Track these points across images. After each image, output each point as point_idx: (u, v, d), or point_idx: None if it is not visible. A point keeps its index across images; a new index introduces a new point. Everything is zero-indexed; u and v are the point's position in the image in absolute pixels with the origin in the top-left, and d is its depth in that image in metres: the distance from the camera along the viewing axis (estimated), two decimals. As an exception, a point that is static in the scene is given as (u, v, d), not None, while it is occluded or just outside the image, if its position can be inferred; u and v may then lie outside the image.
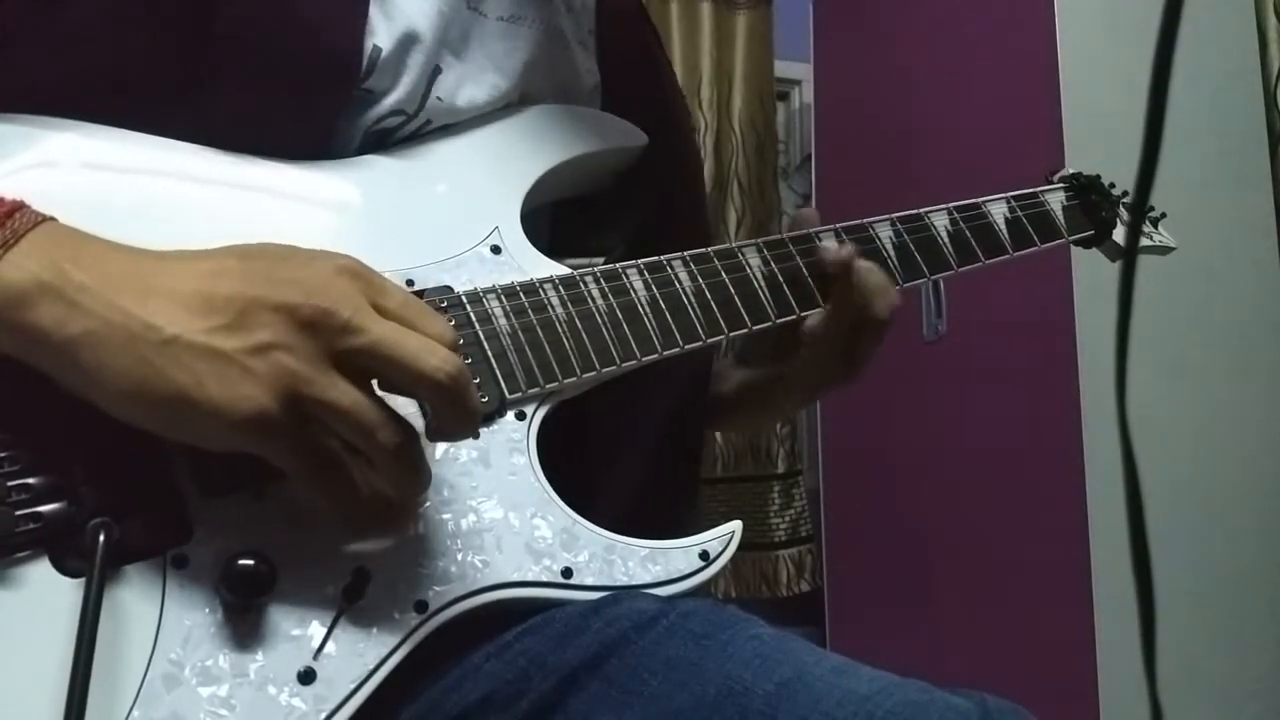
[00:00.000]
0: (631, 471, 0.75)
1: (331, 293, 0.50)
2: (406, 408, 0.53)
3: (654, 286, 0.70)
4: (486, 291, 0.64)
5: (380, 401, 0.51)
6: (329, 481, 0.52)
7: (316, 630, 0.52)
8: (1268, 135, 2.04)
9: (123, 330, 0.47)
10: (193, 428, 0.49)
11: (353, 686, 0.52)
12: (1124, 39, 1.85)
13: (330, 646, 0.52)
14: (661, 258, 0.71)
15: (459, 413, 0.52)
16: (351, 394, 0.50)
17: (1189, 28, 0.31)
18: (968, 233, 0.84)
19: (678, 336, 0.69)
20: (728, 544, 0.64)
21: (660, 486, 0.76)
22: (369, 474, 0.53)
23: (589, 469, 0.72)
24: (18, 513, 0.48)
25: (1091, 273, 1.75)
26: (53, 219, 0.50)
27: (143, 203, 0.56)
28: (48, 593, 0.48)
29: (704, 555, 0.63)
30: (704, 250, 0.73)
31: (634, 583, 0.61)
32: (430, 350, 0.51)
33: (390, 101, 0.67)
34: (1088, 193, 0.93)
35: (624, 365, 0.67)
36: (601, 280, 0.68)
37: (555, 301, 0.66)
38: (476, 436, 0.58)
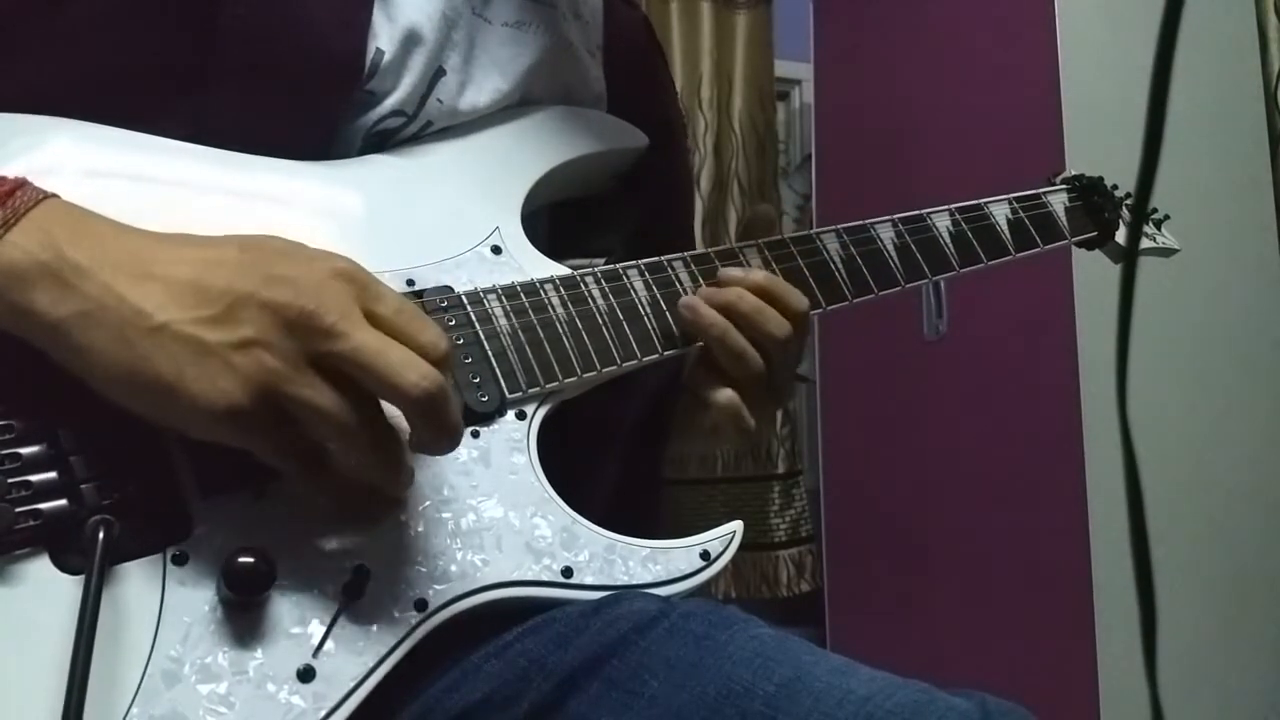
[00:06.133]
0: (605, 477, 0.75)
1: (322, 295, 0.50)
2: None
3: (655, 287, 0.70)
4: (487, 291, 0.64)
5: (360, 403, 0.51)
6: (311, 474, 0.53)
7: (316, 628, 0.52)
8: (1268, 136, 2.04)
9: (114, 314, 0.48)
10: (175, 416, 0.49)
11: (352, 685, 0.52)
12: (1124, 39, 1.85)
13: (330, 644, 0.52)
14: (662, 258, 0.71)
15: (434, 429, 0.52)
16: (328, 395, 0.50)
17: (1189, 28, 0.31)
18: (970, 234, 0.84)
19: (679, 337, 0.69)
20: (729, 544, 0.64)
21: (630, 493, 0.76)
22: (350, 467, 0.53)
23: (570, 472, 0.72)
24: (18, 510, 0.48)
25: (1092, 273, 1.75)
26: (54, 196, 0.51)
27: (141, 202, 0.56)
28: (47, 590, 0.48)
29: (705, 555, 0.63)
30: (705, 251, 0.73)
31: (634, 582, 0.61)
32: (411, 365, 0.50)
33: (391, 103, 0.67)
34: (1090, 194, 0.93)
35: (625, 365, 0.67)
36: (602, 280, 0.68)
37: (556, 301, 0.66)
38: (453, 448, 0.55)
